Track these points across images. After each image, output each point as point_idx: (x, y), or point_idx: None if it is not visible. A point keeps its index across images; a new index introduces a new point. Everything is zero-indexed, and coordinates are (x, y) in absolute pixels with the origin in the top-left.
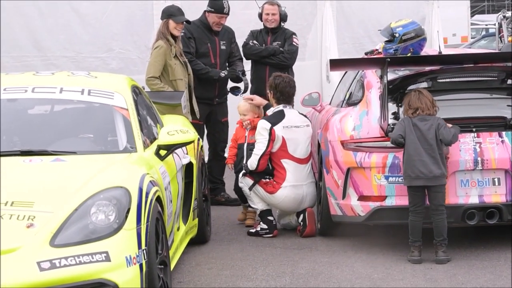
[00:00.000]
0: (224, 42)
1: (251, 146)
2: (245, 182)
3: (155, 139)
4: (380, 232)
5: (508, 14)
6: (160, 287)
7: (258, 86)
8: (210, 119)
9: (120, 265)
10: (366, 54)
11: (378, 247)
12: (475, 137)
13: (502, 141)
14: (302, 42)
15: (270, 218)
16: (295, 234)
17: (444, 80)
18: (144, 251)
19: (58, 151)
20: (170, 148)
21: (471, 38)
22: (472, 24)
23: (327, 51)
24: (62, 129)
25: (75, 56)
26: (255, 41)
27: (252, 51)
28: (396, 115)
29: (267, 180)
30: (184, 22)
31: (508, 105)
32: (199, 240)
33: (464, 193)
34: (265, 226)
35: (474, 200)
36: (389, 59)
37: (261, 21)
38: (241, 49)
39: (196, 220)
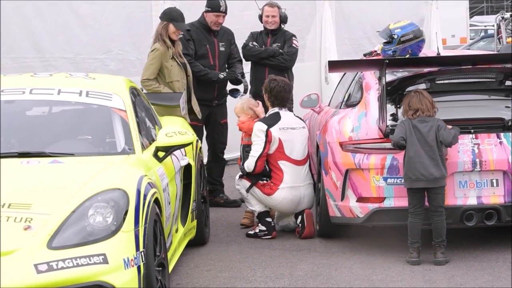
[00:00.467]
0: (223, 43)
1: (247, 148)
2: (242, 184)
3: (153, 140)
4: (379, 233)
5: (507, 15)
6: None
7: (258, 87)
8: (210, 120)
9: (118, 267)
10: (364, 55)
11: (376, 248)
12: (473, 139)
13: (501, 142)
14: (301, 43)
15: (268, 219)
16: (293, 235)
17: (442, 82)
18: (142, 253)
19: (56, 153)
20: (168, 150)
21: (470, 39)
22: (471, 25)
23: (326, 52)
24: (60, 131)
25: (74, 57)
26: (254, 43)
27: (252, 52)
28: (394, 117)
29: (265, 181)
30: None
31: (506, 106)
32: (197, 242)
33: (463, 194)
34: (263, 228)
35: (472, 201)
36: (387, 61)
37: (262, 22)
38: (240, 51)
39: (195, 221)
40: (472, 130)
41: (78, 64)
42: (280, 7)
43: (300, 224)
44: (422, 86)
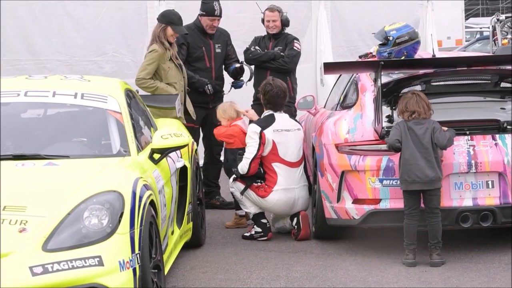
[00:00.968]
0: (219, 45)
1: (240, 151)
2: (236, 187)
3: (149, 142)
4: (375, 235)
5: (502, 17)
6: None
7: None
8: (206, 122)
9: (113, 269)
10: (360, 57)
11: (372, 250)
12: (468, 140)
13: (496, 144)
14: None
15: (264, 221)
16: (289, 237)
17: (437, 83)
18: (138, 255)
19: (51, 155)
20: (164, 152)
21: (466, 41)
22: (466, 27)
23: (322, 54)
24: (55, 133)
25: (69, 59)
26: (257, 47)
27: (252, 56)
28: (390, 118)
29: (259, 184)
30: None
31: (501, 108)
32: (193, 243)
33: (458, 196)
34: (259, 230)
35: (468, 202)
36: (383, 62)
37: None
38: (243, 55)
39: (191, 223)
40: (467, 132)
41: (73, 66)
42: (280, 10)
43: (296, 226)
44: (418, 88)
